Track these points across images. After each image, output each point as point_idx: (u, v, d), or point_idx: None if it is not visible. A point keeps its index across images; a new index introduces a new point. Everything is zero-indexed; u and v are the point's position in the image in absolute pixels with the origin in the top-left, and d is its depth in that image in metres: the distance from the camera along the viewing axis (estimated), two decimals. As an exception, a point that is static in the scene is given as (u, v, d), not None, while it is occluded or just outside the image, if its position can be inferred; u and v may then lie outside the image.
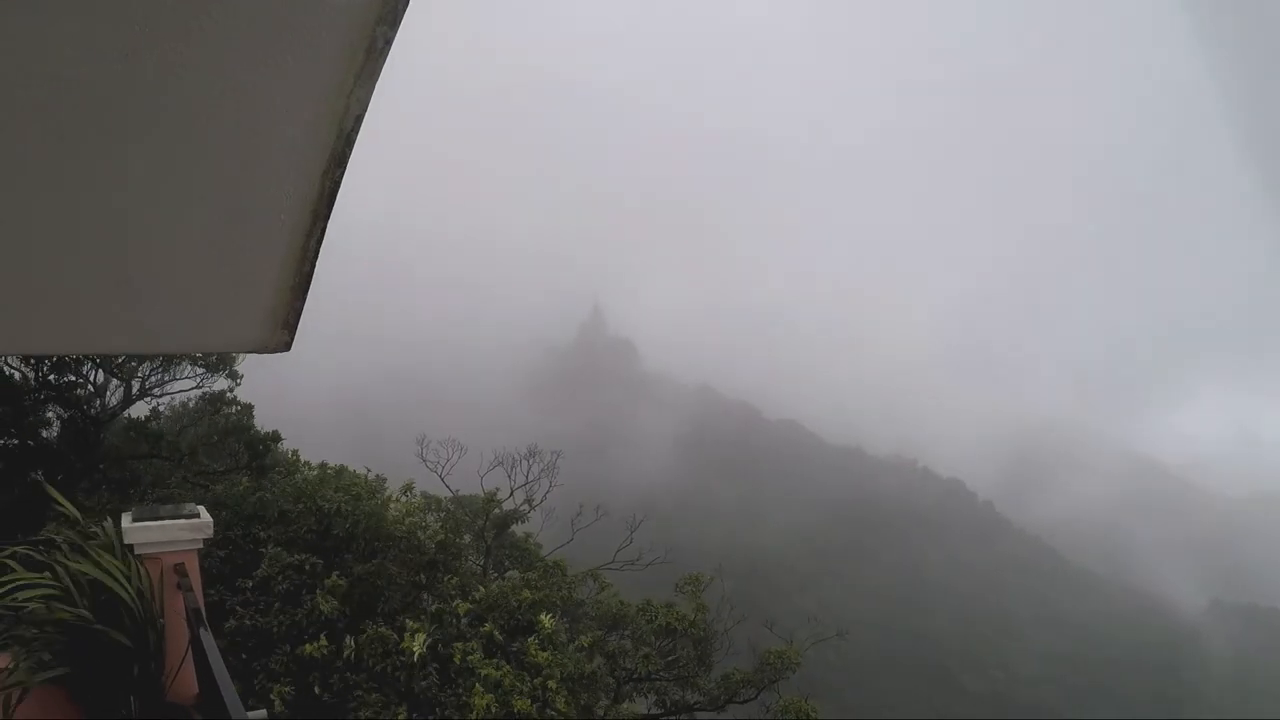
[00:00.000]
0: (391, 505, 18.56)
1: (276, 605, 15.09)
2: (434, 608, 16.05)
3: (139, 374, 21.43)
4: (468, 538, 21.21)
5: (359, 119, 2.40)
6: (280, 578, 15.32)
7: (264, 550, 15.92)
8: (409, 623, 14.78)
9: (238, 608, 15.09)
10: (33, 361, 19.13)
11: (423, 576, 16.87)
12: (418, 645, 14.26)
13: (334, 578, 15.57)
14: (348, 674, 14.23)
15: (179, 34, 2.03)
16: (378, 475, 19.87)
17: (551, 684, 14.38)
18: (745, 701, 21.21)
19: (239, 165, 2.43)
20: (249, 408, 22.50)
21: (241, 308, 3.00)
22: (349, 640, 14.60)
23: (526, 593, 16.85)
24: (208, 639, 5.98)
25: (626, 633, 21.60)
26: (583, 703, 15.10)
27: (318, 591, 14.97)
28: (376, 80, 2.32)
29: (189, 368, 21.80)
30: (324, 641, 14.38)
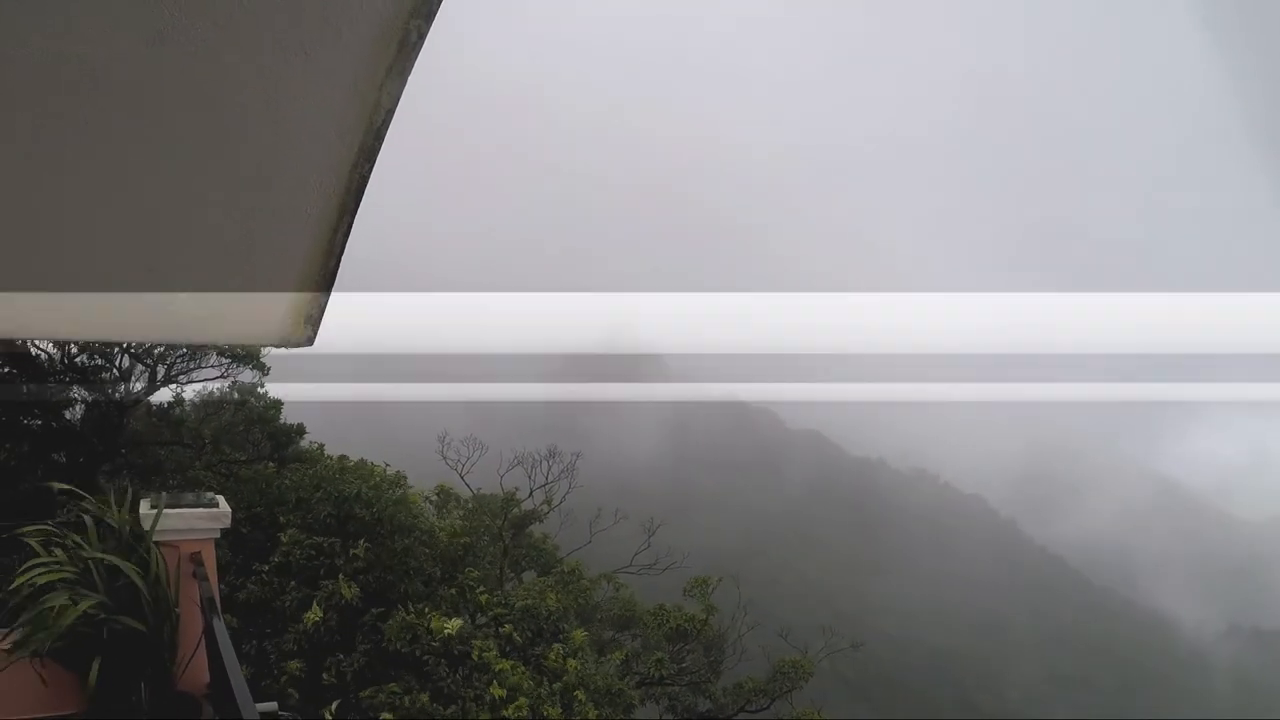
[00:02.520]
0: (413, 499, 18.53)
1: (292, 584, 15.16)
2: (452, 593, 16.07)
3: (165, 360, 21.51)
4: (485, 538, 21.20)
5: (389, 113, 2.36)
6: (298, 552, 15.39)
7: (281, 535, 15.99)
8: (434, 614, 14.77)
9: (249, 585, 15.18)
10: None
11: (438, 570, 16.85)
12: (451, 627, 14.26)
13: (361, 545, 15.60)
14: (365, 662, 14.25)
15: (208, 19, 1.99)
16: (398, 471, 19.84)
17: (580, 695, 14.34)
18: (757, 711, 21.10)
19: (265, 155, 2.39)
20: (277, 402, 22.59)
21: (264, 301, 2.97)
22: (371, 618, 14.65)
23: (552, 598, 16.83)
24: (220, 629, 5.96)
25: (636, 633, 21.58)
26: (606, 715, 15.05)
27: (339, 577, 15.00)
28: (408, 75, 2.28)
29: (215, 357, 21.83)
30: (318, 611, 14.36)
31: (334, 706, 13.15)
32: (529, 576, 21.94)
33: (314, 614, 14.28)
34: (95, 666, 6.15)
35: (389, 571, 15.68)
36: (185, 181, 2.42)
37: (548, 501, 25.20)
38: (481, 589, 16.41)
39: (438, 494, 22.89)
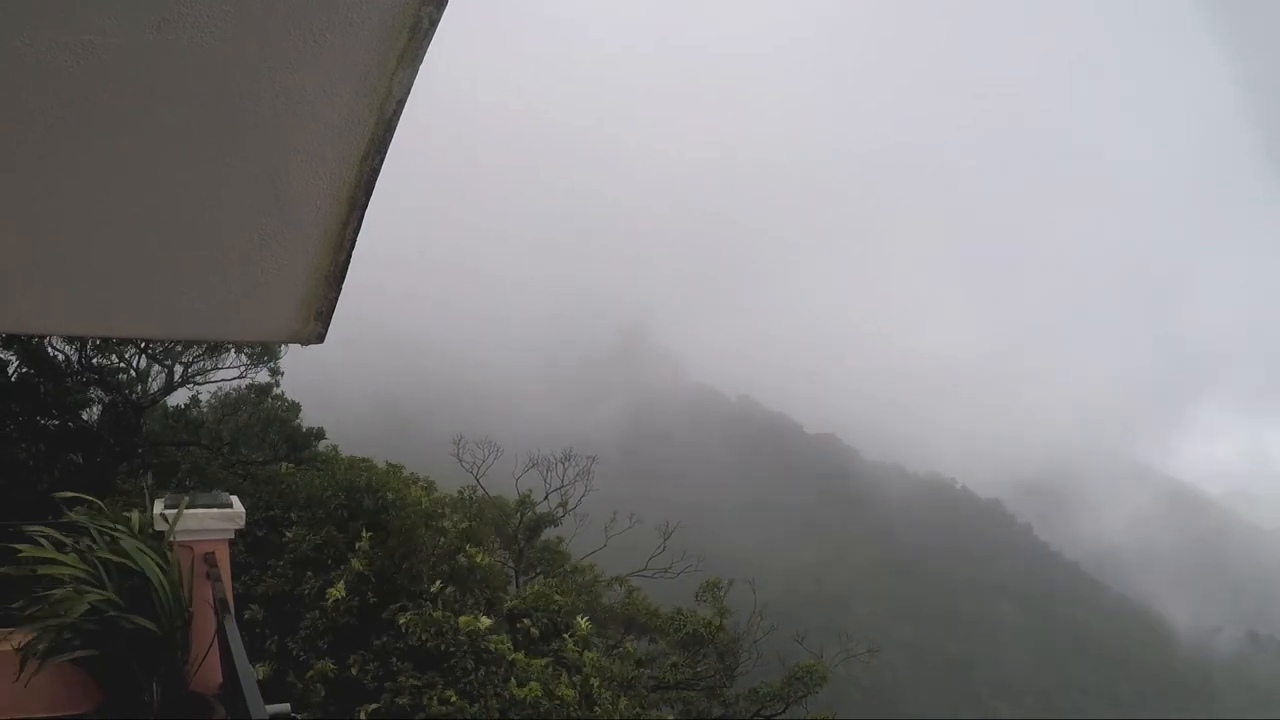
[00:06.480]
0: (413, 488, 18.63)
1: (309, 574, 15.23)
2: (461, 562, 16.11)
3: (181, 360, 21.51)
4: (497, 541, 21.21)
5: (401, 103, 2.31)
6: (305, 545, 15.47)
7: (287, 532, 16.06)
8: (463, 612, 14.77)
9: (266, 578, 15.26)
10: (76, 343, 19.25)
11: (446, 567, 16.85)
12: (482, 625, 14.24)
13: (365, 537, 15.63)
14: (394, 659, 14.22)
15: (214, 5, 1.94)
16: (400, 466, 20.03)
17: (595, 681, 14.34)
18: (772, 716, 20.99)
19: (273, 147, 2.34)
20: (295, 405, 22.57)
21: (274, 296, 2.91)
22: (395, 614, 14.64)
23: (558, 598, 16.85)
24: (232, 630, 5.93)
25: (656, 640, 21.51)
26: (623, 707, 15.02)
27: (352, 558, 15.05)
28: (420, 64, 2.23)
29: (232, 357, 21.76)
30: (341, 588, 14.41)
31: (370, 709, 13.19)
32: (540, 580, 21.92)
33: (337, 590, 14.32)
34: (107, 666, 6.14)
35: (394, 553, 15.68)
36: (191, 173, 2.37)
37: (563, 504, 25.13)
38: (482, 573, 16.45)
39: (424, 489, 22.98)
